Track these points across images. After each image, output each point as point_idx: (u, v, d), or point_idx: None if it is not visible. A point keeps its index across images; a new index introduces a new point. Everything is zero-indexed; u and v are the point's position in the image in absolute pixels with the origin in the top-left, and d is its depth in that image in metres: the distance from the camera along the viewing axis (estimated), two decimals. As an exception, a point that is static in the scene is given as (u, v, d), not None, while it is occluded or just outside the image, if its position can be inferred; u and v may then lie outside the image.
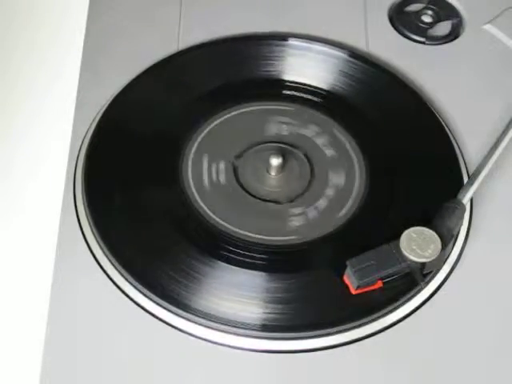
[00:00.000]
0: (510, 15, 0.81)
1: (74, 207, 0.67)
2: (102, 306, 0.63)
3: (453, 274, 0.65)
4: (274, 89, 0.75)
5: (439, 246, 0.62)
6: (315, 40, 0.77)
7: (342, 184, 0.70)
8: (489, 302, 0.64)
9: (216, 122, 0.73)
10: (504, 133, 0.71)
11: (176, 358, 0.61)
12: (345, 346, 0.62)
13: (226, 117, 0.73)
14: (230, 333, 0.62)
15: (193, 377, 0.60)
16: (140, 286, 0.63)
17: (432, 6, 0.82)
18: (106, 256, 0.65)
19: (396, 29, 0.80)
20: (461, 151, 0.72)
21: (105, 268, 0.64)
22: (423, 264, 0.62)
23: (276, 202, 0.69)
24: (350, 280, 0.62)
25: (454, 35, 0.80)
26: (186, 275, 0.63)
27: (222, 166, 0.70)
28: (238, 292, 0.63)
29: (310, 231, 0.67)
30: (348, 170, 0.70)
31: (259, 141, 0.72)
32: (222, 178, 0.69)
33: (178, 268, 0.64)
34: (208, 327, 0.62)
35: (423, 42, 0.79)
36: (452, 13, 0.82)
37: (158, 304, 0.63)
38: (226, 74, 0.75)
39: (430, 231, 0.63)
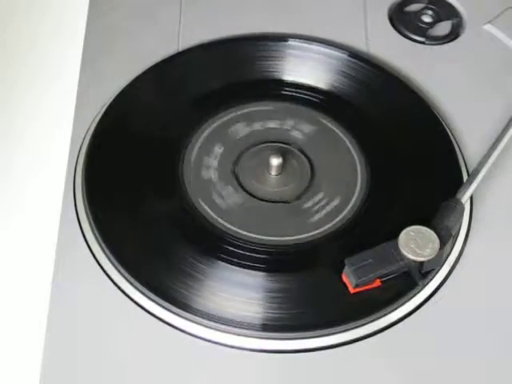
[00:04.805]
0: (510, 15, 0.81)
1: (73, 207, 0.67)
2: (102, 306, 0.63)
3: (453, 273, 0.65)
4: (274, 89, 0.75)
5: (437, 245, 0.62)
6: (315, 40, 0.77)
7: (342, 184, 0.70)
8: (489, 301, 0.64)
9: (216, 123, 0.73)
10: (503, 132, 0.71)
11: (176, 357, 0.61)
12: (345, 345, 0.62)
13: (226, 117, 0.73)
14: (230, 333, 0.62)
15: (193, 377, 0.60)
16: (140, 286, 0.63)
17: (432, 6, 0.82)
18: (106, 256, 0.65)
19: (396, 29, 0.80)
20: (461, 151, 0.72)
21: (105, 268, 0.64)
22: (421, 263, 0.62)
23: (276, 201, 0.69)
24: (349, 279, 0.62)
25: (454, 35, 0.80)
26: (186, 275, 0.63)
27: (222, 166, 0.70)
28: (238, 292, 0.63)
29: (310, 231, 0.67)
30: (348, 170, 0.70)
31: (259, 141, 0.72)
32: (223, 179, 0.69)
33: (178, 268, 0.64)
34: (208, 327, 0.62)
35: (423, 42, 0.79)
36: (452, 13, 0.82)
37: (158, 304, 0.63)
38: (226, 74, 0.76)
39: (429, 230, 0.63)
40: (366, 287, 0.62)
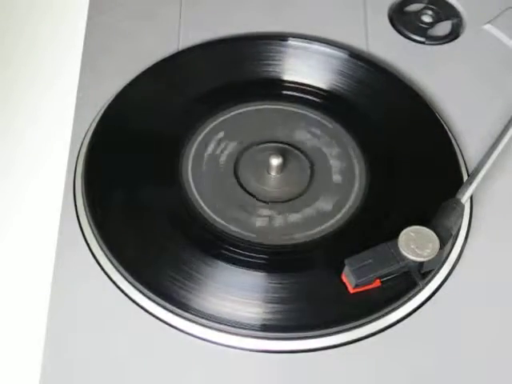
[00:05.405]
0: (510, 15, 0.81)
1: (73, 207, 0.67)
2: (102, 306, 0.63)
3: (453, 273, 0.65)
4: (274, 89, 0.75)
5: (437, 246, 0.62)
6: (315, 40, 0.77)
7: (342, 184, 0.70)
8: (489, 301, 0.64)
9: (216, 122, 0.73)
10: (503, 132, 0.71)
11: (176, 358, 0.61)
12: (345, 345, 0.62)
13: (225, 117, 0.73)
14: (230, 333, 0.62)
15: (193, 377, 0.60)
16: (140, 286, 0.63)
17: (432, 6, 0.82)
18: (106, 256, 0.65)
19: (396, 29, 0.80)
20: (460, 151, 0.72)
21: (105, 268, 0.64)
22: (421, 263, 0.62)
23: (276, 201, 0.69)
24: (349, 279, 0.62)
25: (454, 35, 0.80)
26: (186, 275, 0.63)
27: (222, 166, 0.70)
28: (238, 292, 0.63)
29: (310, 231, 0.67)
30: (348, 170, 0.70)
31: (259, 141, 0.72)
32: (222, 178, 0.69)
33: (178, 268, 0.64)
34: (208, 327, 0.62)
35: (423, 42, 0.79)
36: (452, 13, 0.82)
37: (158, 304, 0.63)
38: (226, 73, 0.76)
39: (429, 230, 0.63)
40: (366, 287, 0.62)
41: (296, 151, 0.71)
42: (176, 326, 0.62)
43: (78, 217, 0.67)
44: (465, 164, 0.71)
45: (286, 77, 0.76)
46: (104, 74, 0.75)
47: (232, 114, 0.73)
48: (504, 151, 0.70)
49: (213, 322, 0.62)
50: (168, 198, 0.68)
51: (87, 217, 0.66)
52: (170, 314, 0.62)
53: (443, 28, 0.81)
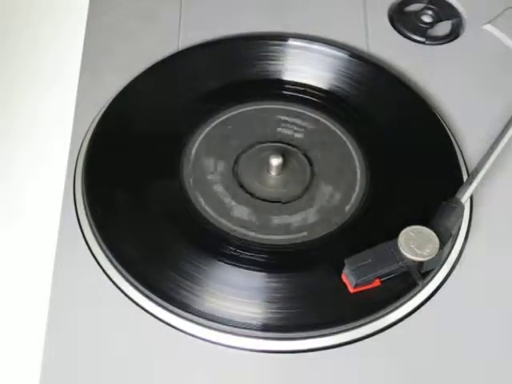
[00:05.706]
0: (510, 15, 0.81)
1: (73, 207, 0.67)
2: (102, 306, 0.63)
3: (453, 273, 0.65)
4: (274, 89, 0.75)
5: (437, 245, 0.62)
6: (315, 40, 0.77)
7: (342, 184, 0.70)
8: (489, 301, 0.64)
9: (216, 122, 0.73)
10: (503, 132, 0.71)
11: (176, 358, 0.61)
12: (345, 345, 0.62)
13: (226, 117, 0.73)
14: (230, 333, 0.62)
15: (193, 377, 0.60)
16: (140, 286, 0.63)
17: (432, 6, 0.82)
18: (106, 256, 0.65)
19: (396, 29, 0.80)
20: (461, 151, 0.72)
21: (105, 268, 0.64)
22: (421, 263, 0.62)
23: (276, 201, 0.69)
24: (348, 279, 0.62)
25: (454, 35, 0.80)
26: (186, 275, 0.63)
27: (222, 165, 0.70)
28: (238, 292, 0.63)
29: (310, 231, 0.67)
30: (348, 170, 0.70)
31: (259, 141, 0.72)
32: (223, 178, 0.69)
33: (178, 268, 0.64)
34: (208, 327, 0.62)
35: (423, 42, 0.79)
36: (452, 13, 0.82)
37: (158, 304, 0.63)
38: (226, 73, 0.76)
39: (429, 230, 0.63)
40: (366, 287, 0.62)
41: (296, 151, 0.71)
42: (176, 326, 0.62)
43: (77, 217, 0.67)
44: (465, 164, 0.71)
45: (286, 77, 0.76)
46: (104, 74, 0.75)
47: (232, 114, 0.73)
48: (504, 151, 0.70)
49: (213, 321, 0.62)
50: (168, 198, 0.68)
51: (87, 217, 0.66)
52: (170, 314, 0.62)
53: (443, 28, 0.81)
